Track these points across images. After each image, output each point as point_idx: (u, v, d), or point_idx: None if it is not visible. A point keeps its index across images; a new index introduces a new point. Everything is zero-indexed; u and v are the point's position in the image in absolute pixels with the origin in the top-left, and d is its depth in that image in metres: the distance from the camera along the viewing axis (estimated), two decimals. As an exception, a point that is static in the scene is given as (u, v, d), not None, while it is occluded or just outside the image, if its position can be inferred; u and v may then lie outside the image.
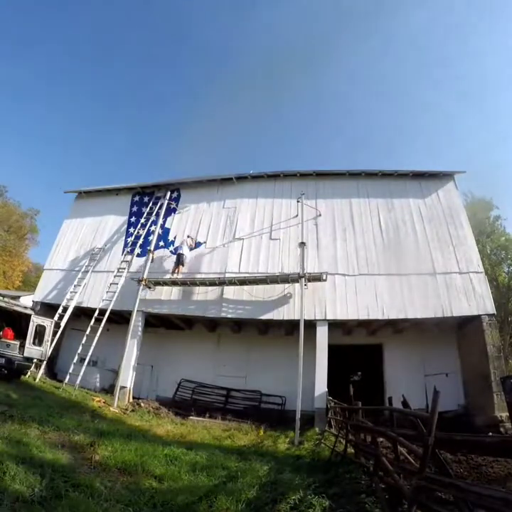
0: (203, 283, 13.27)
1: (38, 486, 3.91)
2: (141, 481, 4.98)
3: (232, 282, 12.86)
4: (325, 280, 12.40)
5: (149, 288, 13.69)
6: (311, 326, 12.00)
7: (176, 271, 13.85)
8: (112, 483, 4.54)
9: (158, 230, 14.97)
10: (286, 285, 12.69)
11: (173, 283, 13.57)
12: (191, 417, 11.70)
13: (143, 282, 13.46)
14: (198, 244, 14.62)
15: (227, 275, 13.45)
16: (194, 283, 13.36)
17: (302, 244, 12.75)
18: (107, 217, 16.63)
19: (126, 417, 10.57)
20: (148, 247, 14.55)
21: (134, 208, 16.48)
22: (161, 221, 15.24)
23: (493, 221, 26.71)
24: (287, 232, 13.99)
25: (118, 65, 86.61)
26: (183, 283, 13.48)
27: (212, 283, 13.18)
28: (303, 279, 12.02)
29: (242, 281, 12.84)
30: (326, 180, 14.91)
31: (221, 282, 13.09)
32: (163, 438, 8.28)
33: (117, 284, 14.11)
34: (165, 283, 13.63)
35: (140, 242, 15.04)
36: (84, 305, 14.50)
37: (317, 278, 12.33)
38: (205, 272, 13.93)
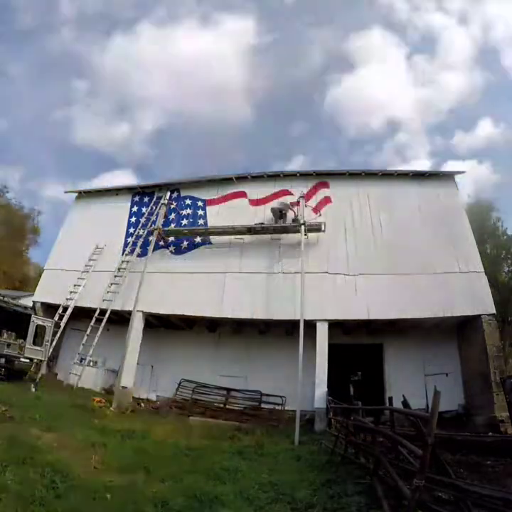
0: (212, 232, 14.35)
1: (38, 486, 3.91)
2: (141, 480, 4.98)
3: (241, 231, 13.85)
4: (324, 231, 13.20)
5: (163, 238, 14.21)
6: (311, 325, 11.99)
7: None
8: (111, 483, 4.54)
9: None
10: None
11: (191, 233, 14.41)
12: (191, 417, 11.70)
13: (157, 231, 13.83)
14: (198, 244, 14.63)
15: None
16: (204, 232, 14.41)
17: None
18: (107, 217, 16.56)
19: (127, 417, 10.58)
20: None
21: (134, 208, 16.46)
22: (161, 221, 15.22)
23: (494, 222, 26.63)
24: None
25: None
26: (191, 232, 14.38)
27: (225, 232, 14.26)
28: (302, 227, 12.86)
29: (249, 230, 13.78)
30: (326, 181, 14.88)
31: (228, 232, 14.05)
32: (163, 438, 8.28)
33: (118, 284, 14.11)
34: (178, 232, 14.37)
35: (140, 242, 15.03)
36: (84, 305, 14.50)
37: (317, 228, 13.13)
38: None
